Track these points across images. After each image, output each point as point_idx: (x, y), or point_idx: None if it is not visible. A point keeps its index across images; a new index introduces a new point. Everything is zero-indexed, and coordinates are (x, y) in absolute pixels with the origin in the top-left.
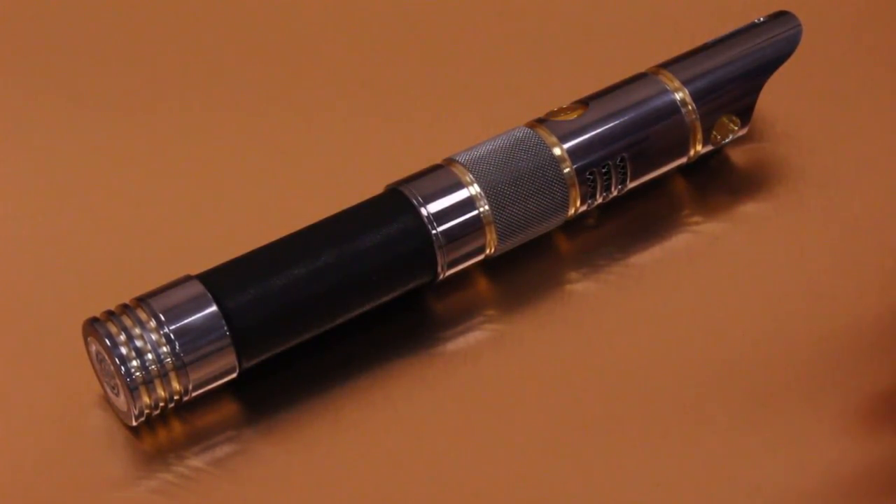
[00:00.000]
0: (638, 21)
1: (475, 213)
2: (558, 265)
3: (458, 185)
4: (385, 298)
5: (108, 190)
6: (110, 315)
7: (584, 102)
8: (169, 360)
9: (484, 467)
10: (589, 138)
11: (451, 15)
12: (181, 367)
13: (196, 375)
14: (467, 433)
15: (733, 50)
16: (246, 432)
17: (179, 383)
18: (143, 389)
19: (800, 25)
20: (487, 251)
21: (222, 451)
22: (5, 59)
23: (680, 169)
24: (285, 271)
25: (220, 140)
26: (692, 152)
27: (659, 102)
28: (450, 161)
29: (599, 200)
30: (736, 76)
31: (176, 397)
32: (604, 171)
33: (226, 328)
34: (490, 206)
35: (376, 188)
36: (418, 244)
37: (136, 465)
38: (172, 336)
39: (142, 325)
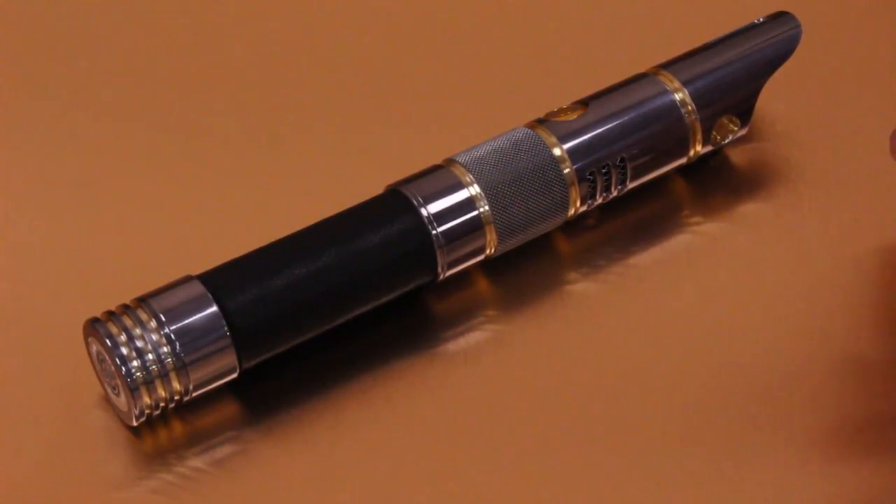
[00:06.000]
0: (638, 21)
1: (475, 213)
2: (558, 265)
3: (459, 186)
4: (385, 298)
5: (109, 190)
6: (111, 315)
7: (584, 103)
8: (169, 360)
9: (484, 467)
10: (589, 139)
11: (452, 15)
12: (182, 368)
13: (196, 375)
14: (467, 433)
15: (733, 50)
16: (246, 432)
17: (180, 383)
18: (143, 389)
19: (799, 26)
20: (487, 251)
21: (222, 451)
22: (6, 59)
23: (680, 169)
24: (286, 271)
25: (220, 140)
26: (692, 153)
27: (659, 103)
28: (450, 161)
29: (599, 201)
30: (736, 77)
31: (176, 397)
32: (604, 171)
33: (226, 328)
34: (490, 206)
35: (376, 188)
36: (418, 244)
37: (136, 466)
38: (173, 336)
39: (142, 325)
